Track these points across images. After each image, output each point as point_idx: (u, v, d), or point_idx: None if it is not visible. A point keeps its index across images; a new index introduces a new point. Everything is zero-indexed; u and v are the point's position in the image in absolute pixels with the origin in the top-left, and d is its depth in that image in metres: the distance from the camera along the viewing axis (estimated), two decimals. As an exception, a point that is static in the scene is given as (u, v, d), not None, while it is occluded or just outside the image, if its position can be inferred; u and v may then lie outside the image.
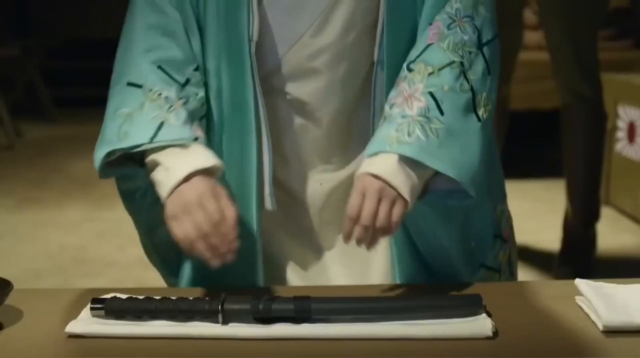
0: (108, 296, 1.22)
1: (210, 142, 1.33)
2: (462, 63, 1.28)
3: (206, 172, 1.23)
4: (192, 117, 1.27)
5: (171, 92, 1.27)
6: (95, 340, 1.14)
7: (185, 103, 1.27)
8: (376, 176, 1.21)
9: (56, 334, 1.15)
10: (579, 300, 1.22)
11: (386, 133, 1.24)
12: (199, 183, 1.21)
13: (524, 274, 3.06)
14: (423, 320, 1.15)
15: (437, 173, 1.25)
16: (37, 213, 4.06)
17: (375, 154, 1.24)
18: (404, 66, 1.30)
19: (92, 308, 1.18)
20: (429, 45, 1.29)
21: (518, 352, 1.09)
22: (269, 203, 1.36)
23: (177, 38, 1.31)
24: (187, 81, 1.30)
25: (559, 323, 1.16)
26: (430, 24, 1.30)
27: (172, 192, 1.21)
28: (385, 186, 1.21)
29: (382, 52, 1.32)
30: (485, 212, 1.40)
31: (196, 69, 1.32)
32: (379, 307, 1.17)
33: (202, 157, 1.24)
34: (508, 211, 1.50)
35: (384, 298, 1.20)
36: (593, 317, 1.16)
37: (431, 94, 1.25)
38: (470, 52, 1.29)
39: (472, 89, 1.28)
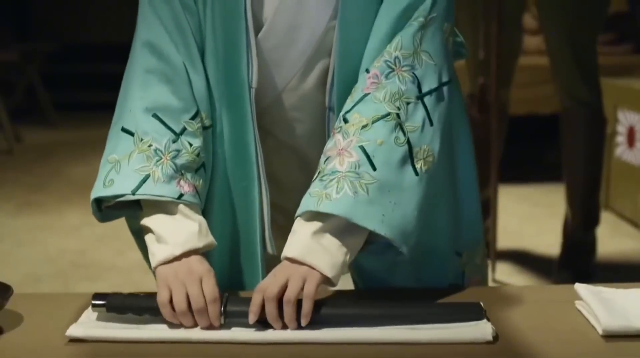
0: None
1: (213, 186, 1.35)
2: (398, 115, 1.23)
3: (197, 250, 1.24)
4: (180, 172, 1.27)
5: (161, 144, 1.27)
6: (95, 344, 1.14)
7: (175, 157, 1.27)
8: (291, 260, 1.19)
9: (56, 338, 1.15)
10: (578, 304, 1.22)
11: (316, 191, 1.21)
12: (190, 262, 1.22)
13: (524, 278, 3.06)
14: (423, 325, 1.15)
15: None
16: (36, 217, 4.05)
17: (304, 213, 1.21)
18: (340, 115, 1.28)
19: (93, 305, 1.18)
20: (365, 95, 1.26)
21: (518, 356, 1.09)
22: (269, 248, 1.38)
23: (175, 85, 1.30)
24: (183, 130, 1.29)
25: (558, 328, 1.16)
26: (368, 70, 1.28)
27: (163, 263, 1.23)
28: (299, 266, 1.18)
29: (332, 97, 1.33)
30: (439, 265, 1.39)
31: (193, 118, 1.31)
32: (379, 312, 1.17)
33: (194, 233, 1.24)
34: (482, 255, 1.47)
35: (385, 303, 1.20)
36: (593, 321, 1.16)
37: (362, 149, 1.21)
38: (408, 103, 1.25)
39: (408, 141, 1.24)
